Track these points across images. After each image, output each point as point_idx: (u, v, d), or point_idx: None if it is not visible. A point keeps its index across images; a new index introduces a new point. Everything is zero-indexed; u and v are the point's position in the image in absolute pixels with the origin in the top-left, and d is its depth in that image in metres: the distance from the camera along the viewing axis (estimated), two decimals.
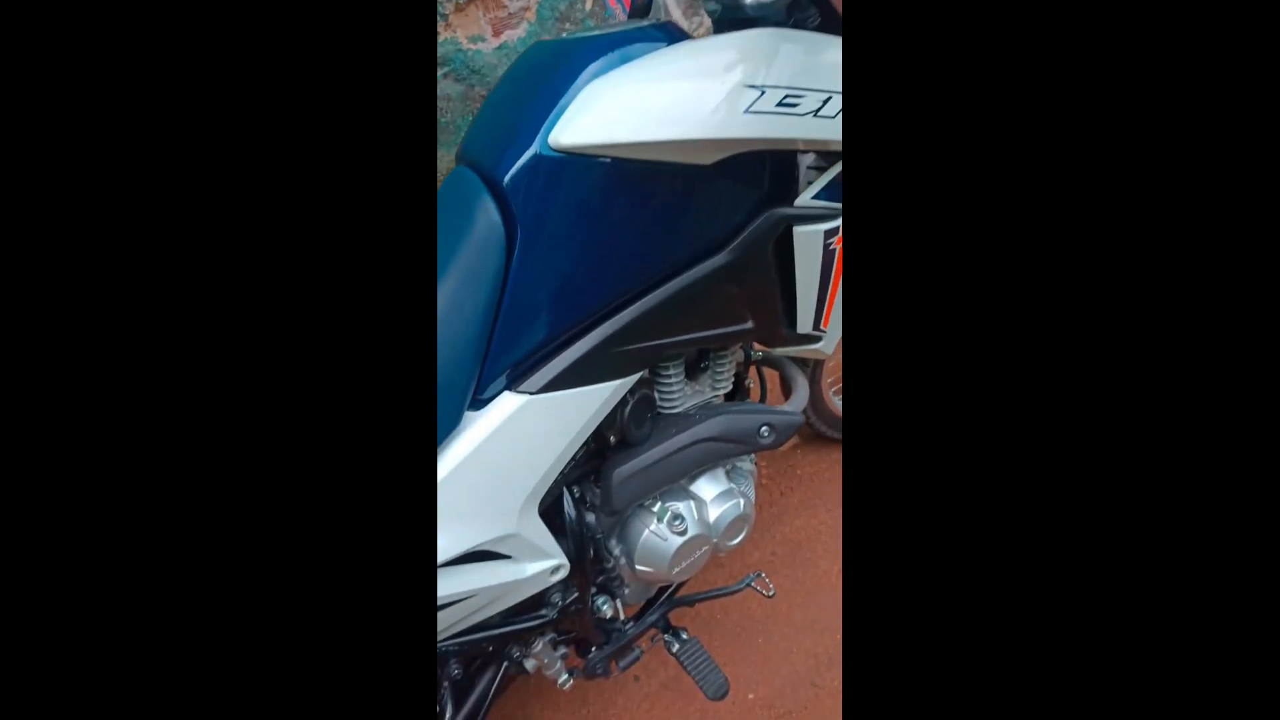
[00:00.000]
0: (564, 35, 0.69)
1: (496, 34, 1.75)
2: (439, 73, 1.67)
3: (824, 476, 1.40)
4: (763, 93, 0.58)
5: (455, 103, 1.71)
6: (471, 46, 1.69)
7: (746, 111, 0.58)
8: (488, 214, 0.60)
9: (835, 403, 1.37)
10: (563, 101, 0.58)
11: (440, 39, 1.65)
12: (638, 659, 0.87)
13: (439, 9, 1.63)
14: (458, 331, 0.60)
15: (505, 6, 1.74)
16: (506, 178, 0.59)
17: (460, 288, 0.60)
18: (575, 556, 0.73)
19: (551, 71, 0.61)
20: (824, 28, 0.66)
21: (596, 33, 0.63)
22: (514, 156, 0.59)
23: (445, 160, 1.76)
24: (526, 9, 1.77)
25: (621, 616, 0.83)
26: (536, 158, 0.59)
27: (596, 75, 0.59)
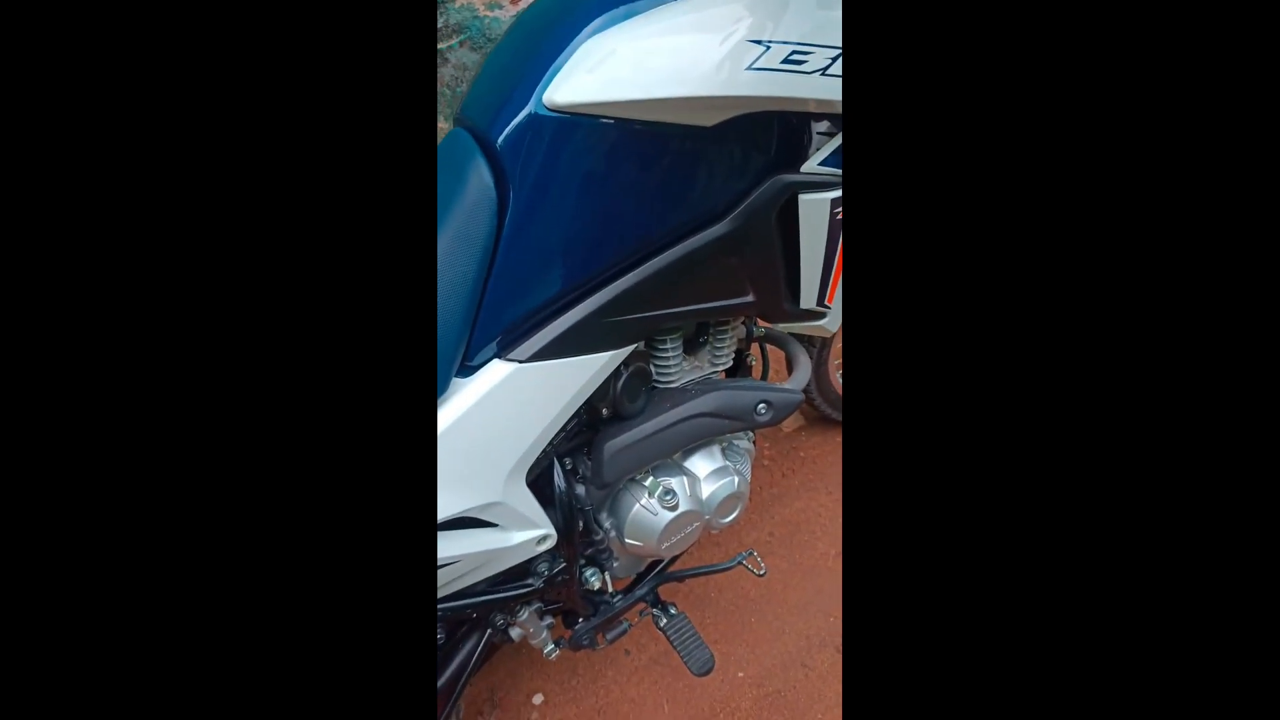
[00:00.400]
0: None
1: (514, 1, 1.72)
2: (455, 40, 1.65)
3: (827, 459, 1.38)
4: (768, 48, 0.56)
5: (470, 71, 1.69)
6: (488, 14, 1.66)
7: (749, 68, 0.56)
8: (480, 176, 0.59)
9: (841, 382, 1.35)
10: (560, 59, 0.56)
11: (457, 5, 1.63)
12: (625, 632, 0.88)
13: None
14: (447, 296, 0.59)
15: None
16: (500, 138, 0.58)
17: (451, 251, 0.59)
18: (564, 527, 0.73)
19: (552, 27, 0.59)
20: None
21: None
22: (508, 116, 0.58)
23: None
24: None
25: (610, 589, 0.83)
26: (531, 117, 0.57)
27: (596, 32, 0.57)
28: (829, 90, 0.59)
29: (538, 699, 1.04)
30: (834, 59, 0.58)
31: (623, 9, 0.58)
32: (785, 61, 0.56)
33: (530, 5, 0.68)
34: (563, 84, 0.55)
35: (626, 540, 0.78)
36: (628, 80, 0.55)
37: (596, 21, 0.57)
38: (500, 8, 1.83)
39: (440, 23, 1.76)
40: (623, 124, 0.58)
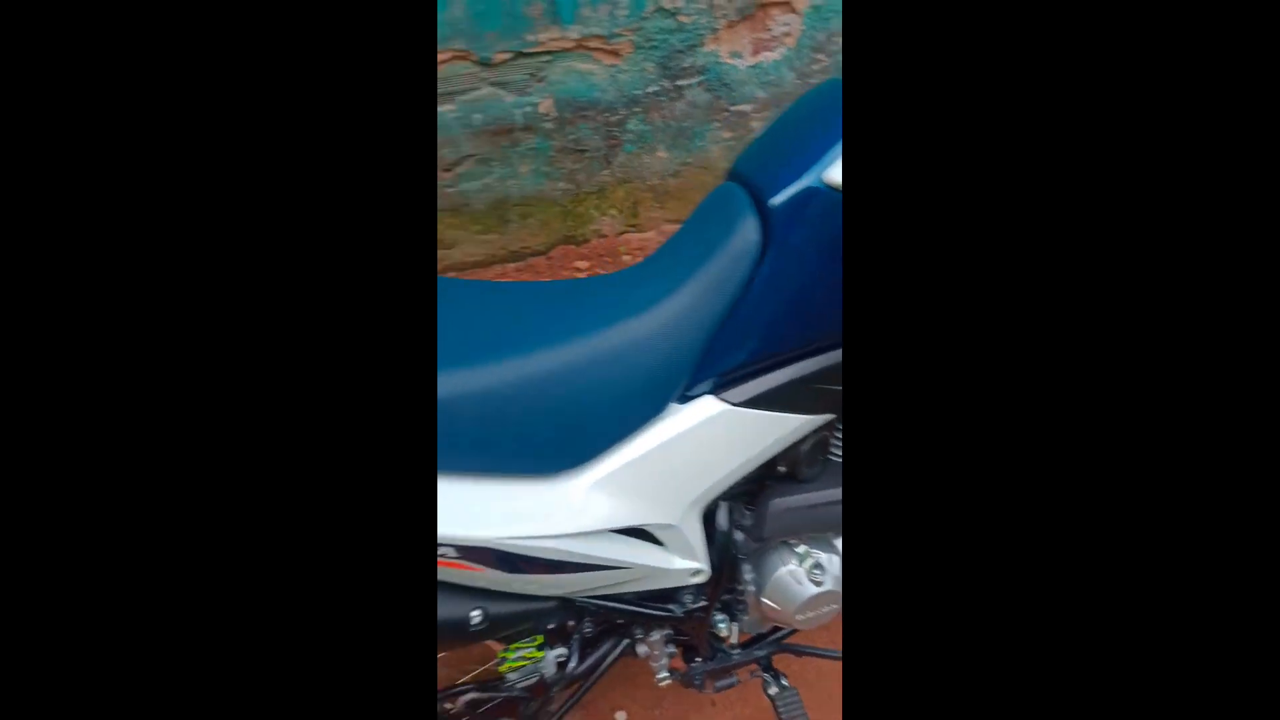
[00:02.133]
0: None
1: (755, 53, 1.81)
2: (695, 80, 1.77)
3: None
4: None
5: (700, 110, 1.80)
6: (730, 61, 1.76)
7: None
8: (748, 229, 0.64)
9: None
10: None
11: (705, 49, 1.74)
12: (732, 685, 0.87)
13: (712, 23, 1.71)
14: (687, 329, 0.64)
15: (770, 29, 1.79)
16: (775, 200, 0.62)
17: (702, 291, 0.64)
18: (715, 567, 0.75)
19: (839, 111, 0.63)
20: None
21: None
22: (787, 181, 0.62)
23: (673, 162, 1.86)
24: (789, 34, 1.81)
25: (734, 640, 0.84)
26: (808, 189, 0.61)
27: None
28: None
29: (620, 716, 1.06)
30: None
31: None
32: None
33: (822, 84, 0.72)
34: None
35: (764, 600, 0.79)
36: None
37: None
38: (740, 57, 1.92)
39: (688, 62, 1.88)
40: None
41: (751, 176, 0.67)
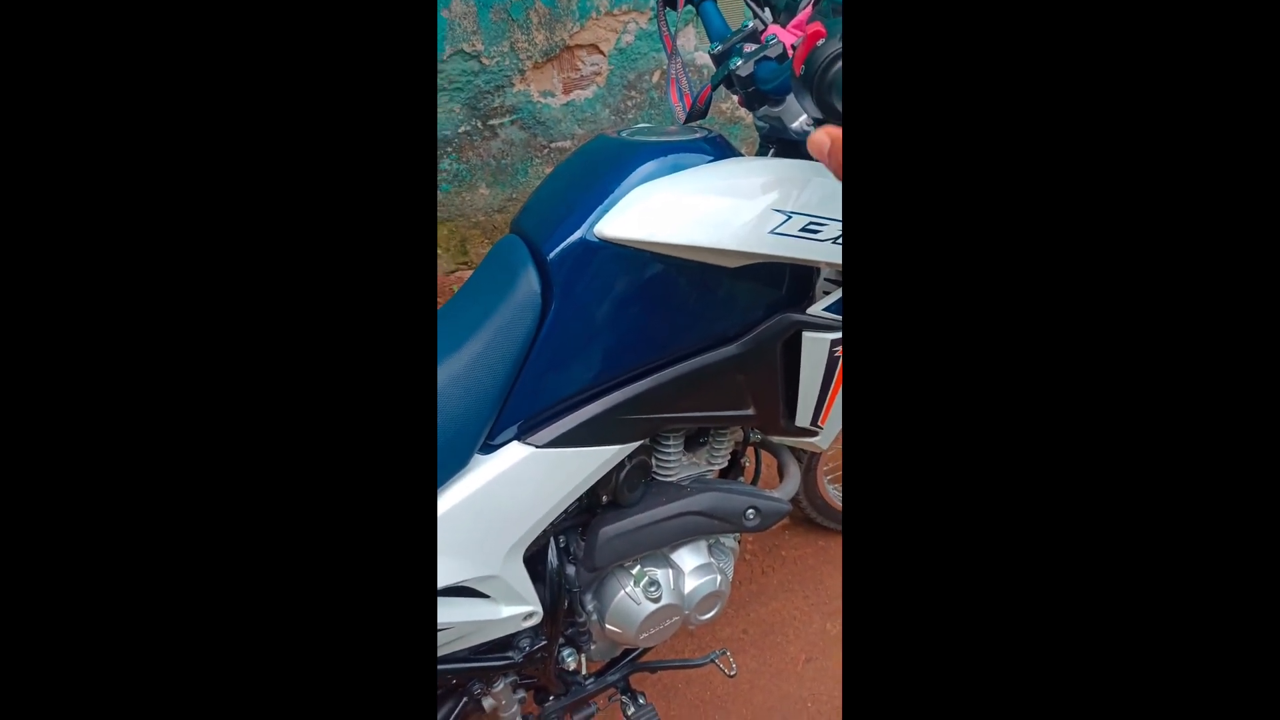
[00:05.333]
0: (623, 133, 0.76)
1: (566, 92, 1.88)
2: (509, 119, 1.79)
3: (807, 562, 1.41)
4: (789, 217, 0.65)
5: (517, 148, 1.83)
6: (541, 100, 1.81)
7: (771, 232, 0.64)
8: (529, 281, 0.67)
9: (829, 491, 1.39)
10: (612, 197, 0.65)
11: (515, 89, 1.78)
12: (592, 715, 0.89)
13: (519, 64, 1.75)
14: (481, 379, 0.65)
15: (579, 69, 1.87)
16: (552, 254, 0.66)
17: (492, 341, 0.66)
18: (550, 605, 0.76)
19: (608, 167, 0.69)
20: None
21: (654, 139, 0.71)
22: (561, 237, 0.66)
23: (497, 197, 1.86)
24: (598, 74, 1.91)
25: (584, 671, 0.86)
26: (582, 241, 0.65)
27: (646, 178, 0.66)
28: (836, 256, 0.68)
29: None
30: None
31: (670, 161, 0.67)
32: (803, 230, 0.65)
33: (591, 141, 0.78)
34: (613, 219, 0.64)
35: (607, 626, 0.81)
36: (667, 226, 0.64)
37: (648, 168, 0.67)
38: (553, 95, 1.98)
39: (498, 102, 1.91)
40: (657, 258, 0.66)
41: (530, 231, 0.70)
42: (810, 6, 0.67)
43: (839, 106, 0.41)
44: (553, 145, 1.92)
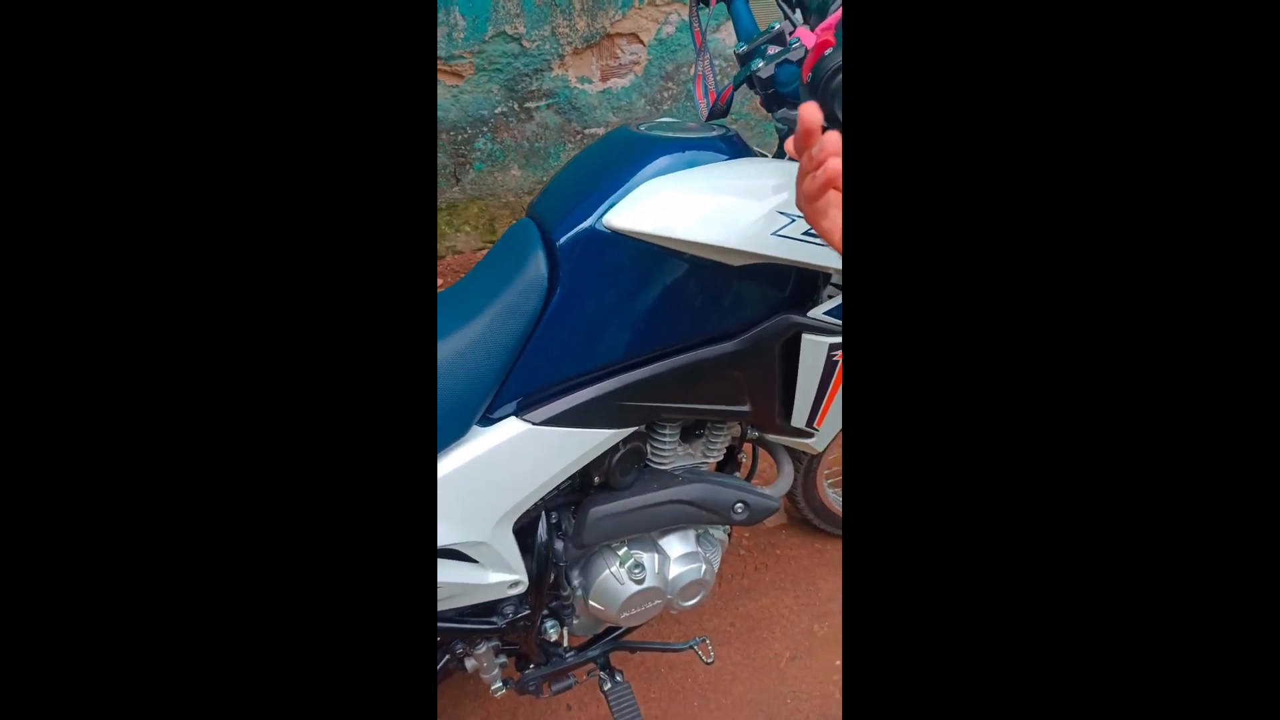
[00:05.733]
0: (643, 127, 0.78)
1: (604, 79, 1.89)
2: (544, 102, 1.82)
3: (801, 563, 1.42)
4: (793, 220, 0.66)
5: (551, 131, 1.85)
6: (579, 86, 1.83)
7: (775, 234, 0.66)
8: (538, 265, 0.69)
9: (828, 495, 1.40)
10: (624, 189, 0.67)
11: (553, 74, 1.80)
12: (569, 687, 0.92)
13: (559, 49, 1.77)
14: (484, 354, 0.68)
15: (618, 58, 1.88)
16: (561, 240, 0.68)
17: (497, 318, 0.69)
18: (536, 576, 0.79)
19: (623, 160, 0.70)
20: None
21: (671, 134, 0.72)
22: (572, 224, 0.68)
23: (528, 179, 1.89)
24: (636, 63, 1.91)
25: (565, 644, 0.89)
26: (590, 230, 0.68)
27: (659, 173, 0.67)
28: (838, 261, 0.69)
29: None
30: None
31: (684, 157, 0.69)
32: (806, 233, 0.66)
33: (608, 134, 0.80)
34: (621, 211, 0.66)
35: (590, 602, 0.84)
36: (673, 222, 0.66)
37: (661, 162, 0.68)
38: (590, 82, 1.99)
39: (535, 85, 1.93)
40: (662, 251, 0.68)
41: (543, 216, 0.73)
42: (840, 10, 0.68)
43: (841, 116, 0.42)
44: (586, 131, 1.94)
